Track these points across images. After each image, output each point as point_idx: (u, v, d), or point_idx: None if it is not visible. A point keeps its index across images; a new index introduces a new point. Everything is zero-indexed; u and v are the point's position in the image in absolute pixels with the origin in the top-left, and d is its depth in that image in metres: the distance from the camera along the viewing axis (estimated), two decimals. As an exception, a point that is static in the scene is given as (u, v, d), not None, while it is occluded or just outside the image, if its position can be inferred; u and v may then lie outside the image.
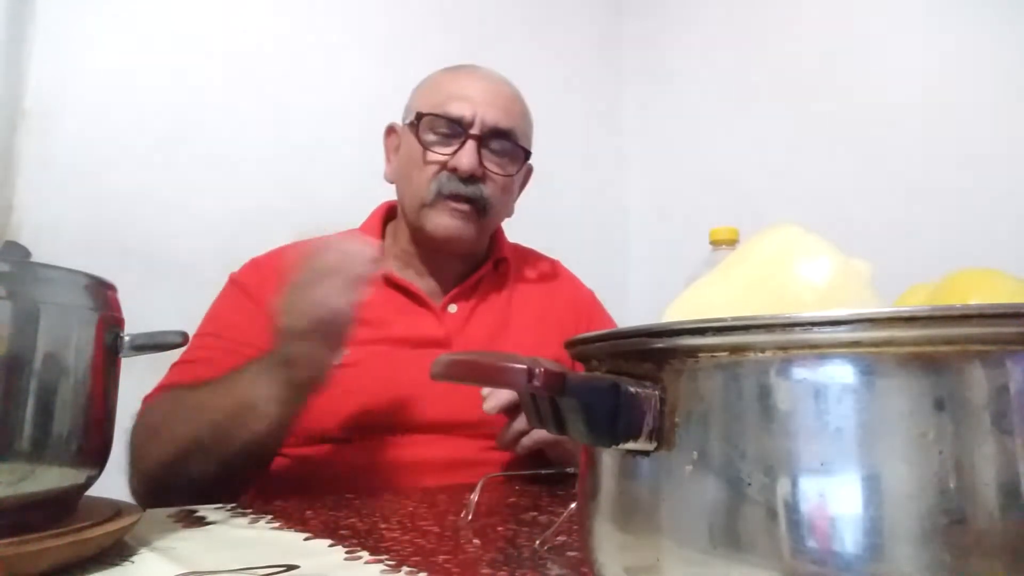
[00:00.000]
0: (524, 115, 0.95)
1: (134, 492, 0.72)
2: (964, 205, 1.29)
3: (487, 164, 0.89)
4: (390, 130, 0.98)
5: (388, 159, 0.98)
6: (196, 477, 0.68)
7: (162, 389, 0.79)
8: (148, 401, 0.78)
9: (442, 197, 0.88)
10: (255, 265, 0.91)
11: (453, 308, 0.93)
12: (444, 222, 0.88)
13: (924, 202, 1.35)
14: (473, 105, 0.88)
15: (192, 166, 1.35)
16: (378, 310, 0.84)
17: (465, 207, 0.88)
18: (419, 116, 0.90)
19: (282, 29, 1.49)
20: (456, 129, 0.88)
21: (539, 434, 0.75)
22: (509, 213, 1.00)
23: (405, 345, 0.87)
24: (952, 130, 1.33)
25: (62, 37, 1.25)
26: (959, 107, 1.33)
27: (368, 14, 1.60)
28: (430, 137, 0.89)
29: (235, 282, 0.89)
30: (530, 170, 1.00)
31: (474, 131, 0.88)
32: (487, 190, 0.89)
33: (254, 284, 0.87)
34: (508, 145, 0.91)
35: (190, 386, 0.74)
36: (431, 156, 0.89)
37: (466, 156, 0.87)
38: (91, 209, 1.24)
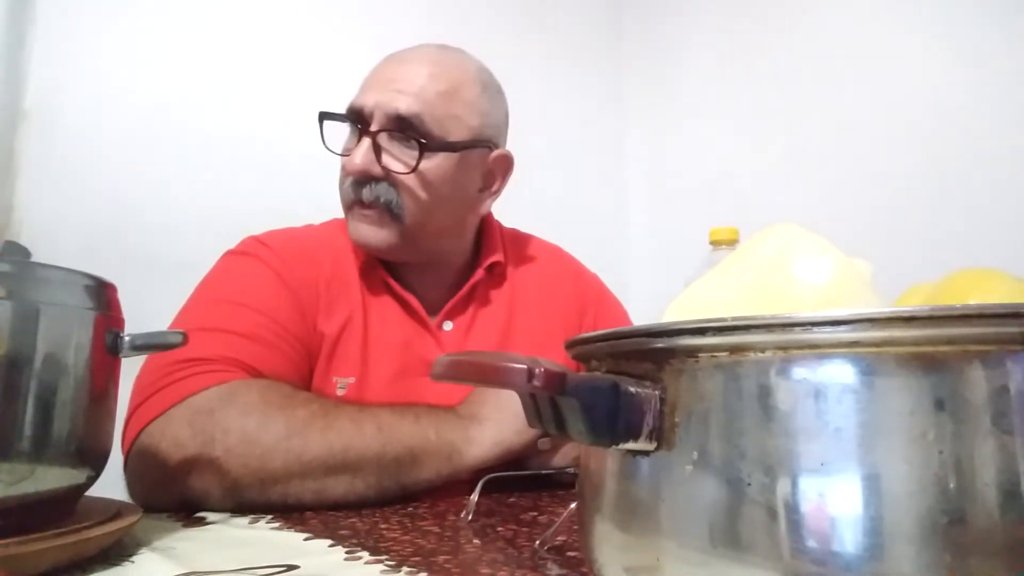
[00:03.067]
0: (447, 95, 0.79)
1: (199, 494, 0.62)
2: (964, 205, 1.29)
3: (387, 160, 0.77)
4: None
5: None
6: (341, 495, 0.64)
7: (228, 362, 0.68)
8: (213, 380, 0.65)
9: (347, 206, 0.81)
10: (265, 245, 0.81)
11: (448, 325, 0.85)
12: (355, 230, 0.80)
13: (924, 202, 1.35)
14: (374, 93, 0.78)
15: (192, 166, 1.35)
16: (378, 322, 0.81)
17: (370, 212, 0.79)
18: (320, 118, 0.82)
19: (282, 29, 1.49)
20: (358, 125, 0.79)
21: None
22: (482, 210, 0.88)
23: (409, 373, 0.81)
24: (952, 130, 1.33)
25: (62, 37, 1.25)
26: (959, 107, 1.32)
27: (368, 14, 1.60)
28: (344, 140, 0.82)
29: (254, 257, 0.80)
30: (507, 159, 0.87)
31: (373, 125, 0.77)
32: (392, 191, 0.78)
33: (282, 267, 0.79)
34: (413, 135, 0.77)
35: (326, 399, 0.70)
36: (341, 161, 0.81)
37: (357, 156, 0.77)
38: (91, 209, 1.24)
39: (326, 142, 0.81)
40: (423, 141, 0.77)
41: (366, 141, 0.77)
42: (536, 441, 0.72)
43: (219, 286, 0.78)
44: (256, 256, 0.79)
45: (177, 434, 0.62)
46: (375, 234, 0.79)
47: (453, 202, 0.83)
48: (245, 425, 0.62)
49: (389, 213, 0.78)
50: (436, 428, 0.68)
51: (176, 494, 0.62)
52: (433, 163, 0.78)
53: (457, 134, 0.80)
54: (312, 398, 0.69)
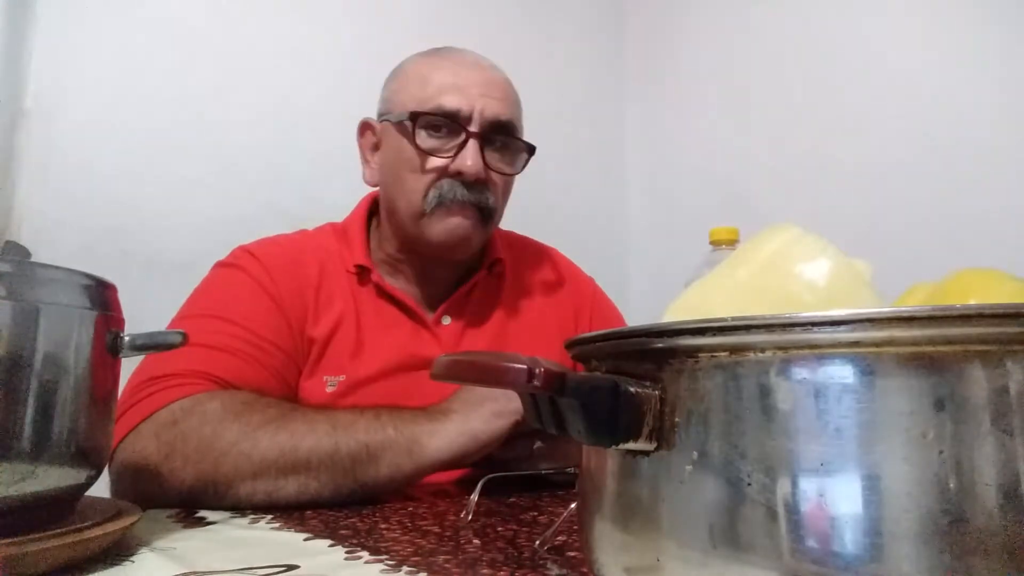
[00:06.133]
0: (519, 103, 0.85)
1: (164, 503, 0.62)
2: (964, 205, 1.29)
3: (490, 165, 0.79)
4: (365, 127, 0.87)
5: (365, 160, 0.87)
6: (299, 498, 0.62)
7: (195, 375, 0.68)
8: (179, 393, 0.66)
9: (444, 206, 0.79)
10: (252, 255, 0.81)
11: (446, 320, 0.85)
12: (449, 229, 0.79)
13: (924, 202, 1.35)
14: (469, 97, 0.78)
15: (192, 166, 1.35)
16: (371, 324, 0.81)
17: (472, 212, 0.79)
18: (414, 116, 0.79)
19: (282, 29, 1.49)
20: (453, 126, 0.78)
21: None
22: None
23: (402, 368, 0.80)
24: (952, 130, 1.33)
25: (62, 37, 1.24)
26: (959, 107, 1.32)
27: (368, 14, 1.60)
28: (426, 139, 0.79)
29: (239, 268, 0.79)
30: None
31: (473, 128, 0.78)
32: (492, 195, 0.80)
33: (266, 277, 0.78)
34: (510, 140, 0.81)
35: (288, 405, 0.68)
36: (431, 162, 0.79)
37: (471, 159, 0.77)
38: (91, 209, 1.24)
39: (418, 141, 0.80)
40: (532, 145, 0.83)
41: (473, 144, 0.78)
42: (506, 431, 0.69)
43: (201, 301, 0.78)
44: (241, 267, 0.80)
45: (144, 447, 0.63)
46: (470, 234, 0.81)
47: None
48: (202, 433, 0.63)
49: (483, 214, 0.81)
50: (396, 424, 0.66)
51: (149, 505, 0.61)
52: (522, 168, 0.85)
53: (523, 136, 0.86)
54: (272, 403, 0.68)
